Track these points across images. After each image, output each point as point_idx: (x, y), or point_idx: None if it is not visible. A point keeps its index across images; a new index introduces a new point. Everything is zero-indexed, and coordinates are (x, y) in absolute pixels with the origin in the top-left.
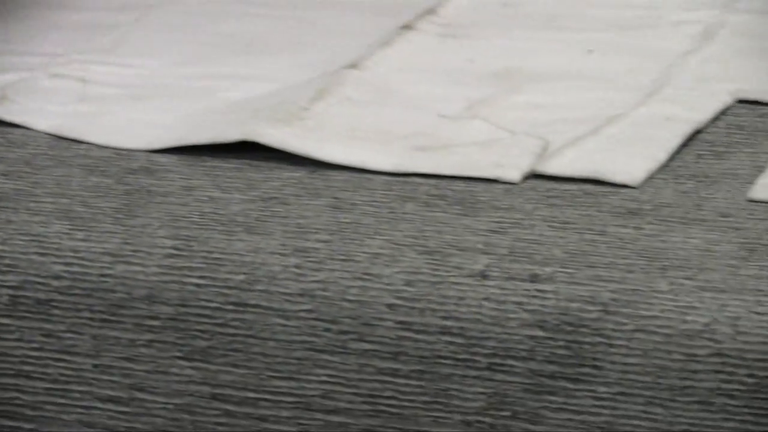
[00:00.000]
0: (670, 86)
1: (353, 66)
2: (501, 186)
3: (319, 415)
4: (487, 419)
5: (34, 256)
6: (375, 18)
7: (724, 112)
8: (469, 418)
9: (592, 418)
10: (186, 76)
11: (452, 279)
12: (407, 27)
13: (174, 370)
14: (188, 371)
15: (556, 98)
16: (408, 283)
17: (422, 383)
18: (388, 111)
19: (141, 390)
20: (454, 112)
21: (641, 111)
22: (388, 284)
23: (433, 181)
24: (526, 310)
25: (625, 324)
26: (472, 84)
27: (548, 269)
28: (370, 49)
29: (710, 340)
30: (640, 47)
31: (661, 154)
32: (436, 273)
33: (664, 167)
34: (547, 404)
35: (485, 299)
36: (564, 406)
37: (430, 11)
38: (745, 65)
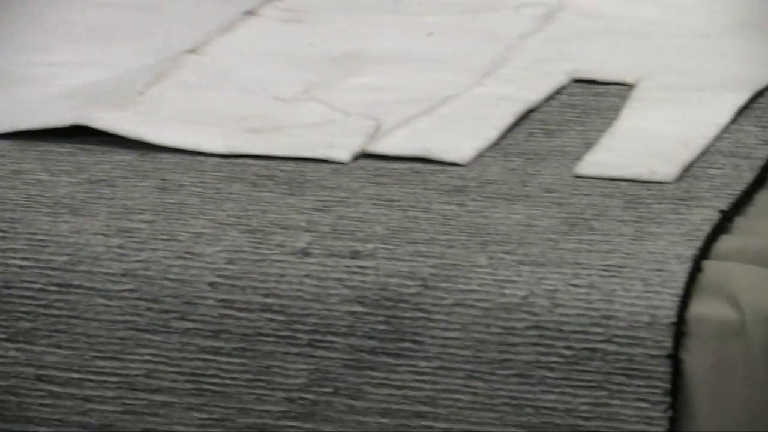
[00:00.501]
0: (507, 67)
1: (192, 51)
2: (330, 166)
3: (143, 395)
4: (310, 396)
5: None
6: (221, 5)
7: (559, 92)
8: (292, 395)
9: (413, 393)
10: (26, 63)
11: (274, 257)
12: (251, 13)
13: None
14: (12, 353)
15: (394, 80)
16: (230, 262)
17: (244, 361)
18: (224, 94)
19: None
20: (290, 94)
21: (476, 91)
22: (209, 263)
23: (264, 162)
24: (346, 287)
25: (444, 298)
26: (311, 67)
27: (369, 246)
28: (211, 35)
29: (528, 313)
30: (480, 30)
31: (492, 133)
32: (258, 251)
33: (495, 146)
34: (368, 380)
35: (306, 276)
36: (385, 381)
37: None
38: (584, 46)
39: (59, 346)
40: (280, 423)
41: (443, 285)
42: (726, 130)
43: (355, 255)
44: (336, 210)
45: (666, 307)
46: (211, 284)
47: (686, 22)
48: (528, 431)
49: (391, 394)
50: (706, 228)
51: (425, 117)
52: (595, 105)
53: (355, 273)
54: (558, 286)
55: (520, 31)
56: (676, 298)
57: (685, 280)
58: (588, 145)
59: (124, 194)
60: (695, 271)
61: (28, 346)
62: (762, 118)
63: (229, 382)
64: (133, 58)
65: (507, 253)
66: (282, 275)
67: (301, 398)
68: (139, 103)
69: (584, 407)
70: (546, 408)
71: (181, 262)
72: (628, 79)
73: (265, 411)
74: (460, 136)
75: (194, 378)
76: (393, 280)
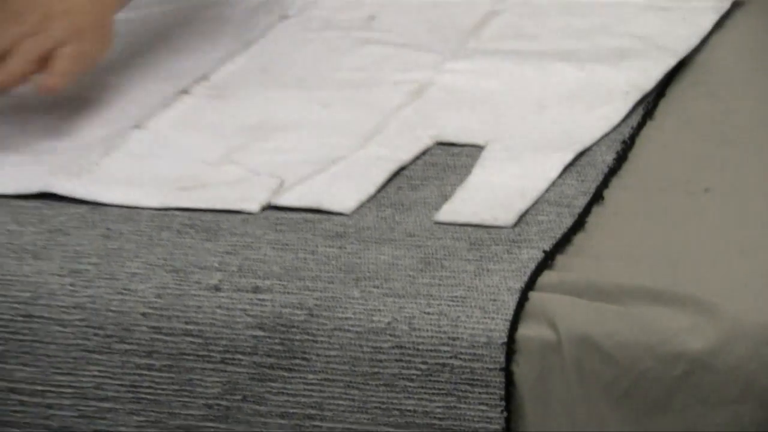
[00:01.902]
0: (384, 133)
1: (137, 125)
2: (241, 216)
3: (93, 403)
4: (224, 402)
5: None
6: (159, 83)
7: (424, 153)
8: (210, 401)
9: (305, 399)
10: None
11: (192, 292)
12: (184, 91)
13: None
14: None
15: (296, 144)
16: (158, 296)
17: (172, 375)
18: (162, 161)
19: None
20: (214, 159)
21: (359, 153)
22: (142, 297)
23: (188, 214)
24: (249, 315)
25: (326, 324)
26: (231, 135)
27: (267, 282)
28: (152, 110)
29: (392, 335)
30: (366, 102)
31: (371, 188)
32: (180, 287)
33: (372, 198)
34: (269, 389)
35: (218, 307)
36: (283, 390)
37: (204, 77)
38: (446, 115)
39: (26, 365)
40: (202, 424)
41: (325, 314)
42: (553, 183)
43: (256, 290)
44: (243, 253)
45: (499, 330)
46: (144, 314)
47: (525, 94)
48: (395, 430)
49: (288, 401)
50: (532, 265)
51: (319, 175)
52: (452, 163)
53: (256, 304)
54: (415, 314)
55: (396, 103)
56: (507, 323)
57: (514, 309)
58: (445, 197)
59: (76, 241)
60: (522, 300)
61: (1, 365)
62: (581, 174)
63: (160, 391)
64: (88, 128)
65: (375, 287)
66: (199, 306)
67: (217, 404)
68: (94, 171)
69: (438, 410)
70: (408, 411)
71: (119, 296)
72: (480, 142)
73: (190, 414)
74: (345, 191)
75: (133, 389)
76: (286, 310)
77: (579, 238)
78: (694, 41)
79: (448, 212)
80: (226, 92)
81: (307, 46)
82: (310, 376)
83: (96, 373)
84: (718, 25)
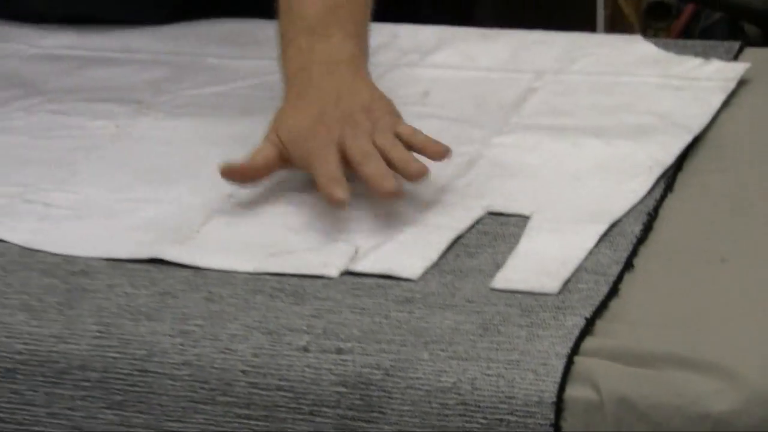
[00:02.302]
0: (442, 203)
1: (230, 195)
2: (323, 281)
3: None
4: None
5: (2, 339)
6: (238, 152)
7: (477, 222)
8: None
9: None
10: (116, 200)
11: (285, 352)
12: None
13: (101, 416)
14: (111, 416)
15: (365, 213)
16: (255, 355)
17: (267, 424)
18: (252, 229)
19: (80, 430)
20: (296, 225)
21: (421, 222)
22: (241, 356)
23: (277, 278)
24: (334, 374)
25: (399, 383)
26: (313, 204)
27: (349, 344)
28: None
29: (456, 394)
30: None
31: (434, 255)
32: (274, 348)
33: (434, 264)
34: None
35: (307, 366)
36: None
37: None
38: (495, 186)
39: (141, 413)
40: None
41: (399, 374)
42: (590, 252)
43: (339, 351)
44: (326, 316)
45: (549, 391)
46: (243, 371)
47: (562, 167)
48: None
49: None
50: (576, 332)
51: (388, 243)
52: (501, 232)
53: (339, 364)
54: (476, 375)
55: (451, 174)
56: (556, 385)
57: (562, 372)
58: (498, 265)
59: (183, 303)
60: (569, 365)
61: (121, 412)
62: (613, 243)
63: None
64: (185, 196)
65: (442, 350)
66: (290, 365)
67: None
68: (195, 238)
69: None
70: None
71: (222, 355)
72: (525, 212)
73: None
74: (411, 258)
75: None
76: (365, 370)
77: (614, 305)
78: (706, 119)
79: (501, 280)
80: None
81: None
82: (386, 427)
83: (201, 421)
84: (726, 102)
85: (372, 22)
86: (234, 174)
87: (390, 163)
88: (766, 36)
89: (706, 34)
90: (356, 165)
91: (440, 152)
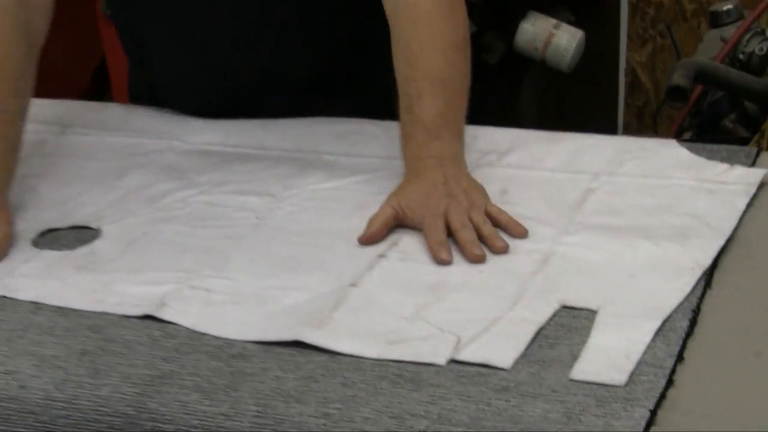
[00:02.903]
0: (525, 297)
1: (353, 284)
2: (434, 368)
3: None
4: None
5: (181, 415)
6: (360, 247)
7: (554, 315)
8: None
9: None
10: (262, 287)
11: None
12: (381, 255)
13: None
14: None
15: (464, 305)
16: None
17: None
18: (374, 316)
19: None
20: (409, 314)
21: (510, 315)
22: None
23: (397, 365)
24: None
25: None
26: (418, 293)
27: (460, 429)
28: (362, 271)
29: None
30: (507, 268)
31: (521, 346)
32: (399, 431)
33: (522, 354)
34: None
35: None
36: None
37: (394, 243)
38: (566, 282)
39: None
40: None
41: None
42: (648, 346)
43: None
44: (439, 403)
45: None
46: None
47: (619, 266)
48: None
49: None
50: (643, 423)
51: (484, 334)
52: (575, 325)
53: None
54: None
55: (530, 270)
56: None
57: None
58: (574, 356)
59: (323, 388)
60: None
61: None
62: (666, 338)
63: None
64: (318, 284)
65: None
66: None
67: None
68: (329, 324)
69: None
70: None
71: None
72: (593, 306)
73: None
74: (504, 349)
75: None
76: None
77: (671, 394)
78: (734, 222)
79: (579, 372)
80: (412, 256)
81: None
82: None
83: None
84: (749, 204)
85: None
86: (369, 240)
87: (480, 236)
88: (764, 110)
89: (713, 107)
90: (455, 232)
91: (521, 232)
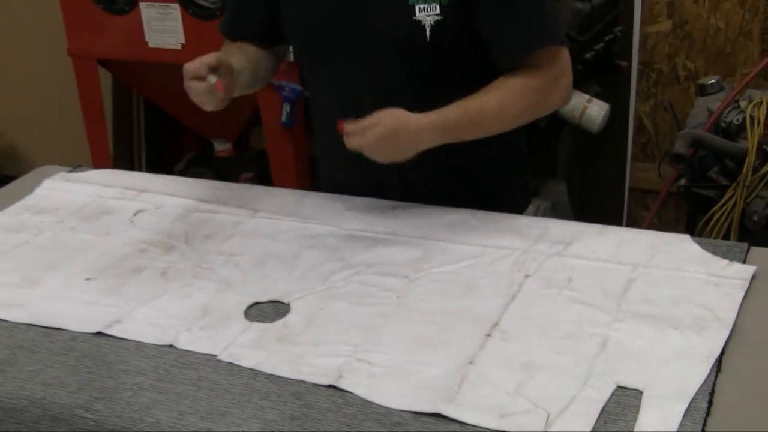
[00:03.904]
0: (591, 378)
1: (471, 362)
2: None
3: None
4: None
5: None
6: (470, 326)
7: (612, 393)
8: None
9: None
10: (406, 361)
11: None
12: (488, 335)
13: None
14: None
15: (549, 382)
16: None
17: None
18: (489, 391)
19: None
20: (512, 389)
21: (582, 393)
22: None
23: None
24: None
25: None
26: (517, 371)
27: None
28: (474, 349)
29: None
30: (576, 350)
31: (592, 422)
32: None
33: (592, 429)
34: None
35: None
36: None
37: (496, 324)
38: (618, 364)
39: None
40: None
41: None
42: (680, 425)
43: None
44: None
45: None
46: None
47: (655, 352)
48: None
49: None
50: None
51: (566, 411)
52: (628, 403)
53: None
54: None
55: (593, 352)
56: None
57: None
58: (628, 430)
59: None
60: None
61: None
62: (692, 416)
63: None
64: (440, 362)
65: None
66: None
67: None
68: (458, 397)
69: None
70: None
71: None
72: (639, 387)
73: None
74: (582, 425)
75: None
76: None
77: None
78: (734, 313)
79: None
80: (510, 335)
81: (543, 302)
82: None
83: None
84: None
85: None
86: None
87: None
88: (739, 166)
89: (701, 161)
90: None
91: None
